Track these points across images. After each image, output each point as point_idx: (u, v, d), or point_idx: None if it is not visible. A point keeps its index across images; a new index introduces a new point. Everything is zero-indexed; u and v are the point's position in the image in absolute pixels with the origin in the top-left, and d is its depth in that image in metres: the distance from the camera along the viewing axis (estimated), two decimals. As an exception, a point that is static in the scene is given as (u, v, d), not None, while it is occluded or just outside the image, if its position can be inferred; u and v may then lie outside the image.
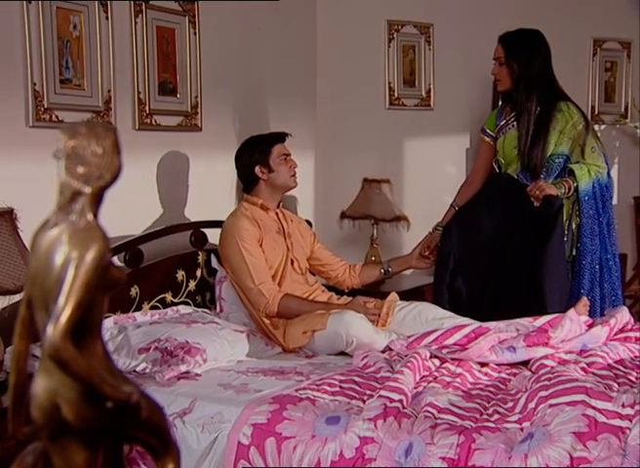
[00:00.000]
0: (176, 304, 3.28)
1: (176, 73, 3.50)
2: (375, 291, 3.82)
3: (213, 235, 3.54)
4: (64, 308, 1.05)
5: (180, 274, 3.38)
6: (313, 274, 3.63)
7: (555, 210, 3.30)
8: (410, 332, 3.07)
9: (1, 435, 2.17)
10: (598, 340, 2.83)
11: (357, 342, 2.97)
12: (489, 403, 2.37)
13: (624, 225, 5.13)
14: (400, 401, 2.31)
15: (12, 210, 2.52)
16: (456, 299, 3.44)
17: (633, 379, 2.48)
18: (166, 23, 3.43)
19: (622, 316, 3.02)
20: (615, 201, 4.98)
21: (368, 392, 2.45)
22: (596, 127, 5.06)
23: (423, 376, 2.56)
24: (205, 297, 3.52)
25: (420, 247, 3.68)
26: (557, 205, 3.31)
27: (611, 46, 5.18)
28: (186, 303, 3.38)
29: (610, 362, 2.67)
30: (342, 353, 3.06)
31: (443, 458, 2.08)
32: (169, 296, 3.32)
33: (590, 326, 2.95)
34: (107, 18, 3.12)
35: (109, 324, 2.90)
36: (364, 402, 2.36)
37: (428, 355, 2.70)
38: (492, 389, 2.50)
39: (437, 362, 2.70)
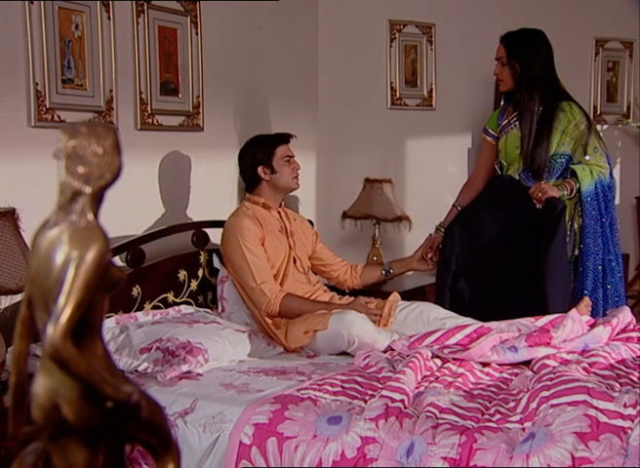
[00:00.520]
0: (177, 304, 3.28)
1: (177, 73, 3.50)
2: (376, 291, 3.82)
3: (214, 235, 3.55)
4: (65, 308, 1.05)
5: (182, 274, 3.38)
6: (315, 273, 3.63)
7: (558, 212, 3.29)
8: (411, 333, 3.07)
9: (2, 435, 2.17)
10: (600, 340, 2.82)
11: (359, 342, 2.97)
12: (490, 403, 2.37)
13: (627, 225, 5.13)
14: (402, 401, 2.31)
15: (14, 209, 2.52)
16: (458, 301, 3.44)
17: (635, 379, 2.47)
18: (168, 23, 3.43)
19: (625, 316, 3.01)
20: (617, 201, 4.97)
21: (369, 392, 2.44)
22: (598, 127, 5.05)
23: (425, 376, 2.56)
24: (207, 297, 3.52)
25: (422, 249, 3.67)
26: (560, 207, 3.30)
27: (613, 46, 5.17)
28: (188, 303, 3.38)
29: (612, 362, 2.66)
30: (344, 353, 3.06)
31: (444, 458, 2.08)
32: (171, 296, 3.32)
33: (592, 326, 2.95)
34: (109, 17, 3.12)
35: (111, 323, 2.90)
36: (365, 402, 2.36)
37: (430, 355, 2.70)
38: (493, 389, 2.50)
39: (439, 362, 2.70)
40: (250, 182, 3.49)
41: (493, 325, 2.93)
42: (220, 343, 2.91)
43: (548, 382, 2.34)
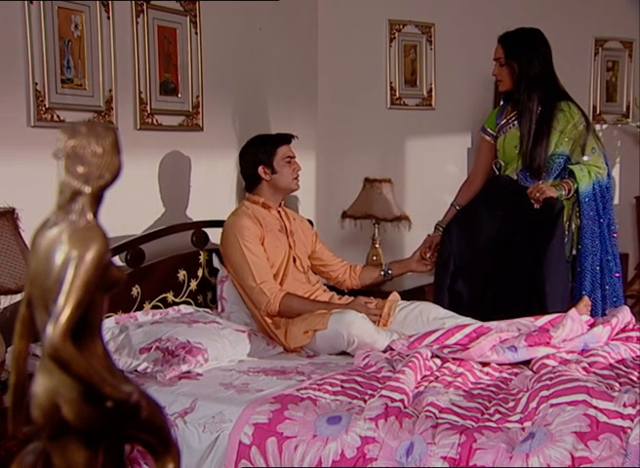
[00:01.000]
0: (177, 304, 3.28)
1: (177, 73, 3.50)
2: (376, 290, 3.82)
3: (214, 234, 3.55)
4: (64, 308, 1.05)
5: (182, 274, 3.38)
6: (315, 273, 3.63)
7: (556, 212, 3.29)
8: (411, 332, 3.07)
9: (1, 435, 2.17)
10: (599, 340, 2.82)
11: (358, 342, 2.97)
12: (490, 402, 2.37)
13: (626, 225, 5.13)
14: (401, 400, 2.31)
15: (13, 209, 2.51)
16: (456, 302, 3.43)
17: (635, 379, 2.47)
18: (167, 23, 3.43)
19: (624, 316, 3.01)
20: (616, 201, 4.99)
21: (369, 392, 2.44)
22: (598, 126, 5.06)
23: (425, 376, 2.56)
24: (206, 297, 3.52)
25: (420, 249, 3.67)
26: (558, 207, 3.30)
27: (612, 45, 5.17)
28: (188, 303, 3.38)
29: (611, 361, 2.66)
30: (344, 353, 3.06)
31: (444, 458, 2.08)
32: (170, 296, 3.32)
33: (592, 325, 2.95)
34: (109, 17, 3.12)
35: (111, 323, 2.90)
36: (365, 401, 2.36)
37: (430, 355, 2.70)
38: (493, 389, 2.50)
39: (438, 361, 2.70)
40: (250, 182, 3.49)
41: (492, 324, 2.93)
42: (219, 343, 2.91)
43: (548, 382, 2.34)
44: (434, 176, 4.72)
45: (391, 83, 4.60)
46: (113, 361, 1.16)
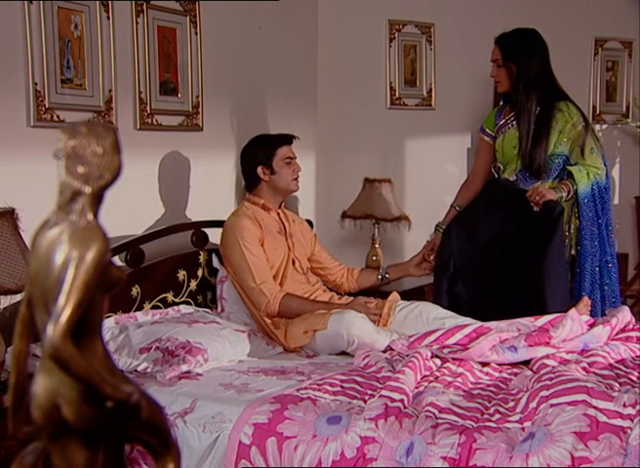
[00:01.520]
0: (177, 304, 3.28)
1: (177, 73, 3.50)
2: (376, 290, 3.82)
3: (214, 235, 3.55)
4: (64, 308, 1.05)
5: (182, 274, 3.38)
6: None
7: (556, 215, 3.28)
8: (411, 332, 3.07)
9: (1, 435, 2.17)
10: (599, 340, 2.82)
11: (358, 342, 2.97)
12: (490, 402, 2.37)
13: (626, 225, 5.13)
14: (401, 400, 2.31)
15: (13, 209, 2.51)
16: (456, 304, 3.43)
17: (634, 379, 2.47)
18: (167, 23, 3.43)
19: (624, 316, 3.01)
20: (616, 201, 4.99)
21: (369, 392, 2.44)
22: (597, 126, 5.07)
23: (424, 376, 2.56)
24: (206, 297, 3.52)
25: (423, 251, 3.66)
26: (558, 210, 3.29)
27: (612, 45, 5.18)
28: (187, 303, 3.38)
29: (611, 361, 2.66)
30: (344, 353, 3.06)
31: (444, 458, 2.08)
32: (170, 296, 3.32)
33: (591, 325, 2.95)
34: (108, 17, 3.12)
35: (110, 323, 2.90)
36: (365, 401, 2.36)
37: (429, 355, 2.70)
38: (493, 389, 2.50)
39: (438, 361, 2.70)
40: (250, 182, 3.49)
41: (492, 324, 2.93)
42: (219, 343, 2.91)
43: (548, 382, 2.34)
44: (434, 177, 4.72)
45: (391, 83, 4.60)
46: (113, 361, 1.16)
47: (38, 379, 1.10)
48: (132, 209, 3.16)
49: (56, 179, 1.13)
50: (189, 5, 3.52)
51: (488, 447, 2.07)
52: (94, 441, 1.12)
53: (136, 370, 2.73)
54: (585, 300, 3.21)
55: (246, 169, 3.49)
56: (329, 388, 2.46)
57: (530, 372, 2.59)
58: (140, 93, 3.30)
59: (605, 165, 3.50)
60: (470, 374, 2.60)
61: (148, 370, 2.72)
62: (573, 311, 2.95)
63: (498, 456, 2.04)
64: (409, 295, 3.66)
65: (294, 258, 3.42)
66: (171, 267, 3.34)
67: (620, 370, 2.58)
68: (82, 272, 1.06)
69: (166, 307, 3.22)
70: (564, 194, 3.36)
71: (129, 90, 3.26)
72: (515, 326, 2.92)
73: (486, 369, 2.67)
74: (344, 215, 4.35)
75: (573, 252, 3.48)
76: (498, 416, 2.24)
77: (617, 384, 2.40)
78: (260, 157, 3.42)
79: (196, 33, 3.56)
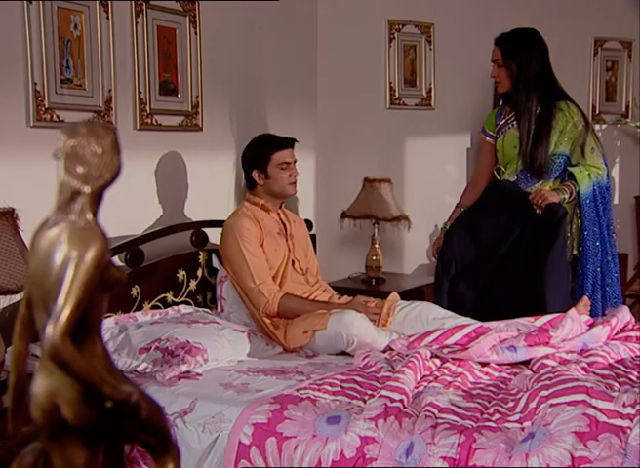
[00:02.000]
0: (176, 304, 3.28)
1: (176, 73, 3.50)
2: (375, 290, 3.82)
3: (213, 235, 3.54)
4: (64, 308, 1.05)
5: (181, 274, 3.38)
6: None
7: (559, 218, 3.28)
8: (410, 332, 3.07)
9: (1, 435, 2.17)
10: (599, 340, 2.82)
11: (358, 342, 2.97)
12: (490, 402, 2.37)
13: (625, 225, 5.13)
14: (401, 400, 2.31)
15: (13, 209, 2.51)
16: (457, 306, 3.42)
17: (634, 379, 2.47)
18: (167, 23, 3.43)
19: (623, 316, 3.01)
20: (616, 200, 4.99)
21: (369, 392, 2.44)
22: (597, 126, 5.06)
23: (424, 376, 2.56)
24: (206, 297, 3.52)
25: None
26: (561, 212, 3.29)
27: (612, 45, 5.17)
28: (187, 303, 3.38)
29: (611, 361, 2.67)
30: (343, 353, 3.06)
31: (444, 458, 2.08)
32: (170, 296, 3.32)
33: (591, 325, 2.95)
34: (108, 17, 3.12)
35: (110, 323, 2.90)
36: (365, 401, 2.36)
37: (429, 355, 2.70)
38: (492, 389, 2.50)
39: (438, 361, 2.70)
40: (249, 182, 3.49)
41: (492, 324, 2.93)
42: (219, 343, 2.91)
43: (547, 382, 2.34)
44: (434, 177, 4.72)
45: (391, 83, 4.60)
46: (113, 361, 1.16)
47: (38, 379, 1.10)
48: (131, 209, 3.16)
49: (55, 179, 1.13)
50: (189, 5, 3.52)
51: (487, 446, 2.07)
52: (93, 441, 1.12)
53: (135, 371, 2.72)
54: (585, 300, 3.21)
55: (244, 170, 3.49)
56: (328, 388, 2.46)
57: (529, 372, 2.59)
58: (139, 93, 3.30)
59: (606, 164, 3.50)
60: (470, 374, 2.60)
61: (148, 371, 2.72)
62: (572, 311, 2.95)
63: (497, 456, 2.04)
64: (408, 295, 3.66)
65: (293, 259, 3.42)
66: (170, 267, 3.34)
67: (620, 369, 2.58)
68: (81, 272, 1.06)
69: (166, 307, 3.22)
70: (566, 196, 3.36)
71: (128, 90, 3.26)
72: (515, 326, 2.92)
73: (485, 368, 2.67)
74: (344, 215, 4.35)
75: (574, 252, 3.48)
76: (497, 416, 2.24)
77: (616, 384, 2.40)
78: (255, 161, 3.41)
79: (196, 33, 3.56)
